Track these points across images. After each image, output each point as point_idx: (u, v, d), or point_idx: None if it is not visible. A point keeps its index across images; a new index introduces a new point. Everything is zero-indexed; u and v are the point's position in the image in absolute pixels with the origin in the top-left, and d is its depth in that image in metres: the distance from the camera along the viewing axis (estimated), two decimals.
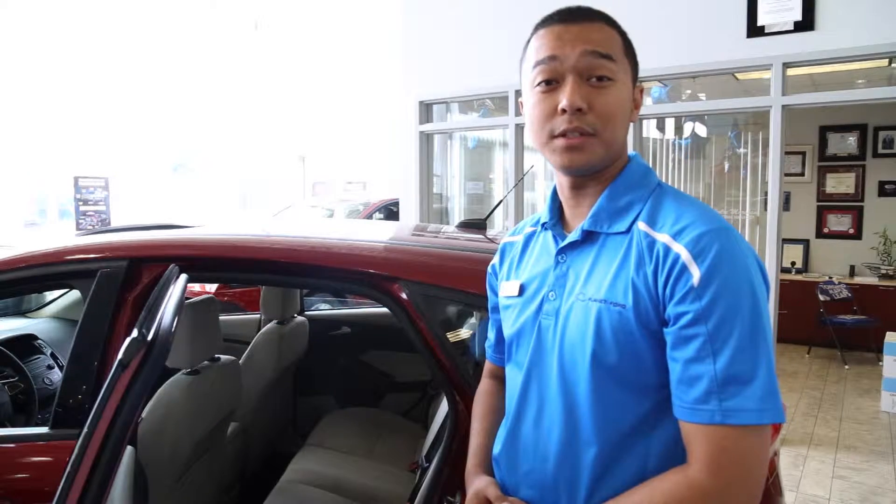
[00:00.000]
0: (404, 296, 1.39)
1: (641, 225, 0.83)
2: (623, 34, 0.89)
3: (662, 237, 0.80)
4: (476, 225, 1.99)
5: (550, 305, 0.88)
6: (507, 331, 0.97)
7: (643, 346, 0.79)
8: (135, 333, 0.83)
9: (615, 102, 0.84)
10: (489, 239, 1.79)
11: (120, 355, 0.81)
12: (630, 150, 0.94)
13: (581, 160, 0.84)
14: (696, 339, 0.74)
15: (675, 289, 0.76)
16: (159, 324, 0.87)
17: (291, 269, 1.53)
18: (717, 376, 0.72)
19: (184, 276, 1.15)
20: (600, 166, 0.87)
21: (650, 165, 0.93)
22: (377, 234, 1.85)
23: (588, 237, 0.87)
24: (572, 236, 0.89)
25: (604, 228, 0.86)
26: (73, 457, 0.78)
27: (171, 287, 1.02)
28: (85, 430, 0.79)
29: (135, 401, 0.81)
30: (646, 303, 0.78)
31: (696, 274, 0.75)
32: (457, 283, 1.41)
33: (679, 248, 0.77)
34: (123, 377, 0.80)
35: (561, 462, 0.85)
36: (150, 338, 0.84)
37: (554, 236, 0.92)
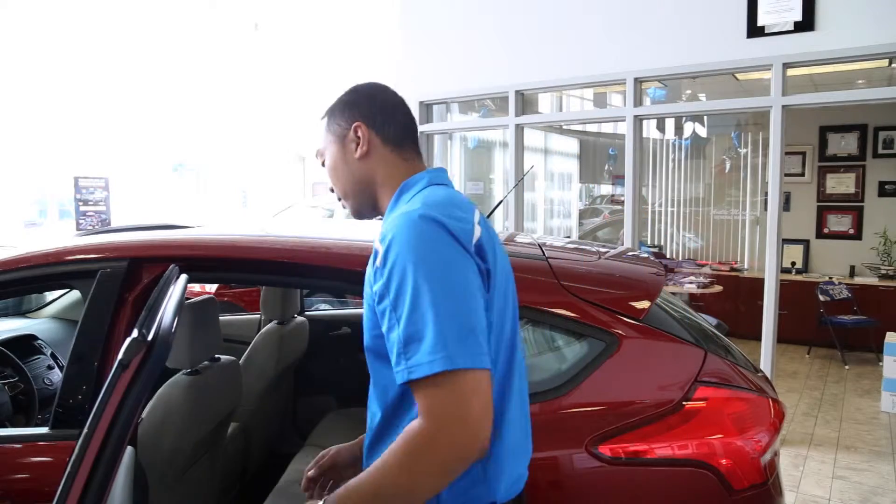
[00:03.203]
0: None
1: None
2: (334, 107, 1.11)
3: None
4: None
5: None
6: None
7: (381, 327, 0.90)
8: (135, 334, 0.83)
9: (331, 176, 1.10)
10: None
11: (120, 355, 0.81)
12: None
13: (353, 215, 1.12)
14: (386, 312, 0.86)
15: (372, 273, 0.91)
16: (159, 324, 0.87)
17: (292, 269, 1.53)
18: (401, 339, 0.82)
19: (184, 277, 1.15)
20: (368, 212, 1.10)
21: (427, 180, 1.06)
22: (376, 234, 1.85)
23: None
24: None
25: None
26: (73, 457, 0.77)
27: (172, 287, 1.02)
28: (85, 430, 0.79)
29: (135, 401, 0.81)
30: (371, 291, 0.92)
31: (379, 257, 0.88)
32: None
33: (376, 242, 0.91)
34: (123, 377, 0.80)
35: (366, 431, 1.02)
36: (150, 338, 0.84)
37: None
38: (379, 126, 1.06)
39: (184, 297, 1.08)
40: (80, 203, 9.97)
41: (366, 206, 1.09)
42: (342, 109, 1.09)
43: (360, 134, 1.05)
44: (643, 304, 1.38)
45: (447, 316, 0.81)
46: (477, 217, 0.95)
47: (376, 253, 0.88)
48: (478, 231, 0.91)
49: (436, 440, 0.78)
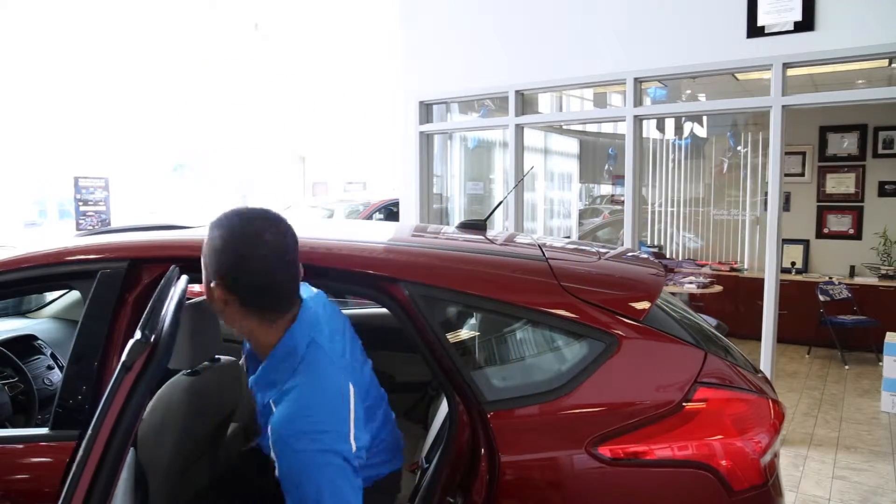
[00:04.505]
0: (405, 297, 1.39)
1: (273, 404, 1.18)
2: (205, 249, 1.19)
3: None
4: (476, 226, 1.99)
5: None
6: None
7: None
8: (138, 335, 0.83)
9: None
10: (489, 240, 1.80)
11: (123, 357, 0.81)
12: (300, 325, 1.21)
13: None
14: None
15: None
16: (162, 325, 0.87)
17: None
18: None
19: (184, 278, 1.15)
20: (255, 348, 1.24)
21: (305, 339, 1.19)
22: (378, 235, 1.86)
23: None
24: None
25: (264, 398, 1.23)
26: (77, 459, 0.77)
27: (173, 288, 1.02)
28: (89, 432, 0.79)
29: (138, 403, 0.81)
30: None
31: (277, 467, 1.09)
32: (457, 284, 1.41)
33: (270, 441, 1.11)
34: (127, 379, 0.80)
35: None
36: (152, 339, 0.84)
37: None
38: (237, 287, 1.13)
39: (184, 298, 1.08)
40: (80, 203, 9.97)
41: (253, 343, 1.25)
42: (209, 256, 1.16)
43: (216, 294, 1.14)
44: (643, 305, 1.38)
45: None
46: (352, 386, 1.18)
47: (276, 451, 1.09)
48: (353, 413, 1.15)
49: None
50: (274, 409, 1.14)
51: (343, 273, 1.48)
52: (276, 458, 1.07)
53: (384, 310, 1.63)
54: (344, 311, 3.39)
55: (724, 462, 1.24)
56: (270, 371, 1.19)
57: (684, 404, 1.28)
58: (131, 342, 0.82)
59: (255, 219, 1.14)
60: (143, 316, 0.89)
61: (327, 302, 1.42)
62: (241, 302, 1.13)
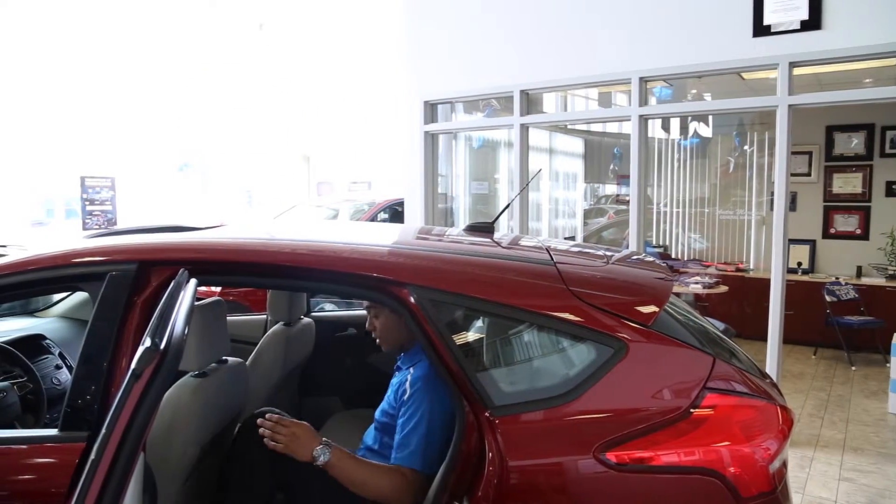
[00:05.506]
0: (413, 300, 1.39)
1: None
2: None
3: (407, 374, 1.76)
4: (483, 229, 1.99)
5: None
6: None
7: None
8: (147, 343, 0.83)
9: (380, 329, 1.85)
10: (496, 243, 1.80)
11: (133, 365, 0.82)
12: None
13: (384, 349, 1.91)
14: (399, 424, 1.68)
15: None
16: (171, 331, 0.88)
17: (300, 273, 1.53)
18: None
19: (193, 282, 1.15)
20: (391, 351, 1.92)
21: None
22: (385, 238, 1.86)
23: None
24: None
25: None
26: (87, 467, 0.78)
27: (182, 293, 1.02)
28: (99, 440, 0.80)
29: (148, 410, 0.81)
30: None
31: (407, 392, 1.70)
32: (465, 288, 1.41)
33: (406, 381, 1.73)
34: (136, 387, 0.80)
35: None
36: (162, 346, 0.85)
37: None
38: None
39: (194, 302, 1.08)
40: (87, 203, 10.02)
41: (394, 347, 1.90)
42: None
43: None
44: (651, 310, 1.38)
45: (423, 441, 1.60)
46: None
47: (404, 390, 1.72)
48: None
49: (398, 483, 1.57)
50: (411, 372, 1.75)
51: (350, 276, 1.48)
52: (410, 388, 1.68)
53: None
54: (349, 312, 3.41)
55: (732, 469, 1.24)
56: (407, 358, 1.86)
57: (692, 410, 1.28)
58: (141, 349, 0.82)
59: None
60: (152, 322, 0.89)
61: None
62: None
